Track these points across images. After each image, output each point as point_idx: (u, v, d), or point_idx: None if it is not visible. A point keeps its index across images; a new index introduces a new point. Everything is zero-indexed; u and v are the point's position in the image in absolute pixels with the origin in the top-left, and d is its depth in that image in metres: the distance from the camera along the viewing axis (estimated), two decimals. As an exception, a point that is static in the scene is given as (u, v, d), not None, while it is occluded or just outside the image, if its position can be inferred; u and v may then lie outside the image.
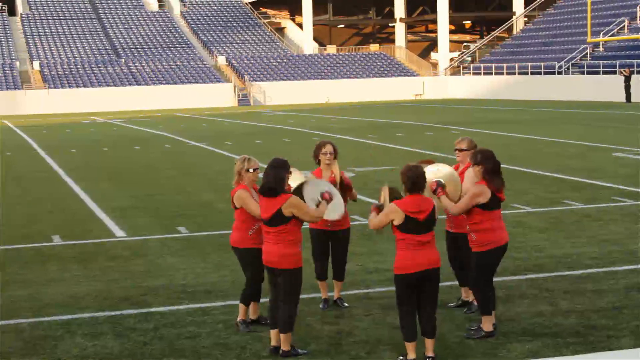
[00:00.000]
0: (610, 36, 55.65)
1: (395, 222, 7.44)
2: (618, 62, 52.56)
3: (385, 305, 9.14)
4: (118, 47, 67.74)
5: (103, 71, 63.15)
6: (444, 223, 8.97)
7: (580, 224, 13.50)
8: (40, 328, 8.82)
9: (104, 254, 12.33)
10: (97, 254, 12.33)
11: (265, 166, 7.89)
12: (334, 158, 9.26)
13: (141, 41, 69.22)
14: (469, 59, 69.77)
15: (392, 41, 79.03)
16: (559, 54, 58.54)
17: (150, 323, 8.87)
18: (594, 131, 30.45)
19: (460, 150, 9.05)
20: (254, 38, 72.46)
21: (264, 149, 26.48)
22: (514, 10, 72.57)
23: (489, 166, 8.10)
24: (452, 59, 70.41)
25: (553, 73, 56.79)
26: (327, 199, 7.91)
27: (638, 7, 57.07)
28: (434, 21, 74.23)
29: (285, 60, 68.12)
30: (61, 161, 25.31)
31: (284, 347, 7.76)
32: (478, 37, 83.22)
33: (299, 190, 7.89)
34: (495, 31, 73.31)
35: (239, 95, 62.65)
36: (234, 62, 66.88)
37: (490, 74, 62.07)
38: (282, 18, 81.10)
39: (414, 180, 7.45)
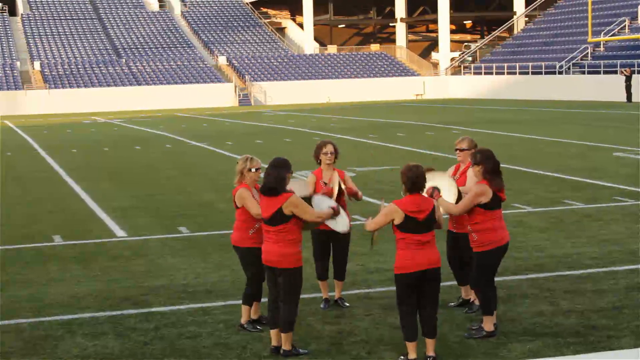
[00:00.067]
0: (611, 36, 55.64)
1: (395, 222, 7.45)
2: (619, 61, 52.54)
3: (386, 305, 9.14)
4: (119, 47, 67.75)
5: (104, 71, 63.17)
6: (446, 223, 8.96)
7: (580, 224, 13.50)
8: (40, 328, 8.83)
9: (105, 254, 12.33)
10: (98, 254, 12.34)
11: (267, 166, 7.90)
12: (335, 158, 9.26)
13: (142, 41, 69.23)
14: (470, 58, 69.75)
15: (393, 41, 79.04)
16: (560, 53, 58.53)
17: (150, 323, 8.88)
18: (594, 131, 30.44)
19: (461, 150, 9.06)
20: (255, 38, 72.47)
21: (264, 149, 26.48)
22: (514, 10, 72.56)
23: (489, 166, 8.10)
24: (452, 59, 70.39)
25: (554, 73, 56.77)
26: (334, 208, 7.95)
27: (639, 7, 57.04)
28: (435, 21, 74.22)
29: (286, 60, 68.13)
30: (62, 161, 25.32)
31: (285, 346, 7.77)
32: (479, 36, 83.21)
33: (306, 202, 7.95)
34: (496, 31, 73.30)
35: (239, 95, 62.65)
36: (234, 62, 66.89)
37: (491, 73, 62.06)
38: (283, 18, 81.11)
39: (414, 180, 7.46)
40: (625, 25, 56.71)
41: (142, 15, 73.46)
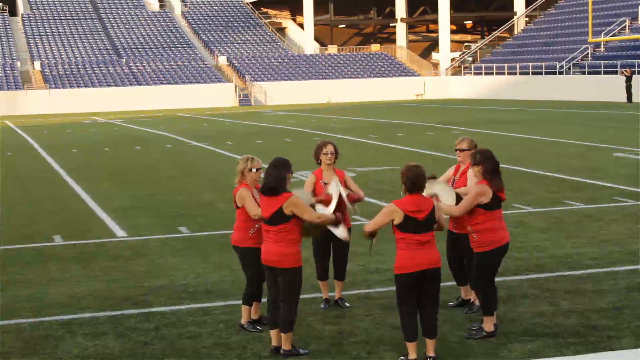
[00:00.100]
0: (611, 36, 55.64)
1: (395, 222, 7.45)
2: (619, 62, 52.54)
3: (386, 305, 9.14)
4: (119, 47, 67.77)
5: (104, 71, 63.18)
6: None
7: (580, 224, 13.50)
8: (41, 328, 8.83)
9: (105, 254, 12.34)
10: (98, 254, 12.34)
11: (267, 166, 7.91)
12: (335, 158, 9.27)
13: (142, 41, 69.24)
14: (470, 59, 69.75)
15: (393, 41, 79.04)
16: (560, 54, 58.54)
17: (151, 323, 8.88)
18: (594, 131, 30.44)
19: (461, 150, 9.06)
20: (255, 38, 72.48)
21: (265, 149, 26.48)
22: (515, 10, 72.56)
23: (489, 166, 8.11)
24: (453, 59, 70.40)
25: (554, 73, 56.77)
26: (337, 217, 8.00)
27: (639, 7, 57.03)
28: (435, 21, 74.23)
29: (286, 60, 68.14)
30: (62, 161, 25.32)
31: (285, 346, 7.77)
32: (479, 37, 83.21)
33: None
34: (497, 31, 73.31)
35: (240, 95, 62.65)
36: (235, 62, 66.90)
37: (492, 74, 62.06)
38: (283, 18, 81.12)
39: (414, 181, 7.46)
40: (625, 26, 56.71)
41: (142, 15, 73.47)
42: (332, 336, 8.30)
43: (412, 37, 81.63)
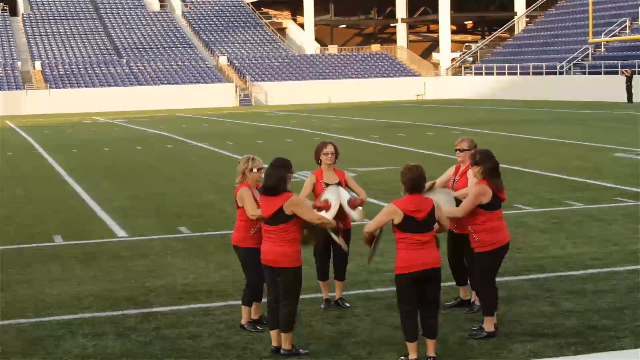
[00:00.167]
0: (611, 36, 55.64)
1: (395, 222, 7.45)
2: (619, 62, 52.53)
3: (387, 306, 9.15)
4: (119, 47, 67.77)
5: (104, 71, 63.18)
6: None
7: (581, 225, 13.50)
8: (41, 328, 8.83)
9: (106, 254, 12.34)
10: (99, 254, 12.34)
11: (268, 166, 7.92)
12: (335, 158, 9.27)
13: (142, 41, 69.24)
14: (471, 59, 69.75)
15: (394, 41, 79.04)
16: (561, 54, 58.53)
17: (151, 323, 8.88)
18: (595, 131, 30.44)
19: (461, 151, 9.06)
20: (256, 38, 72.47)
21: (265, 149, 26.48)
22: (515, 10, 72.55)
23: (489, 166, 8.11)
24: (453, 59, 70.39)
25: (554, 73, 56.76)
26: (338, 229, 8.21)
27: (639, 8, 57.01)
28: (436, 21, 74.22)
29: (286, 61, 68.14)
30: (62, 161, 25.33)
31: (285, 346, 7.77)
32: (479, 37, 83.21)
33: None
34: (497, 31, 73.31)
35: (240, 95, 62.65)
36: (235, 62, 66.90)
37: (492, 74, 62.05)
38: (284, 18, 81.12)
39: (413, 182, 7.45)
40: (626, 26, 56.70)
41: (142, 15, 73.47)
42: (332, 336, 8.31)
43: (412, 37, 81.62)
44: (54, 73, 61.96)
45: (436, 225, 7.62)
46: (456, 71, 68.33)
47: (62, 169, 23.40)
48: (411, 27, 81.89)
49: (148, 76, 63.21)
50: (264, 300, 8.44)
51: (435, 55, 76.65)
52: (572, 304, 9.09)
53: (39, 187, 19.83)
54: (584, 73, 55.12)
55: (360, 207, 8.84)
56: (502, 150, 23.02)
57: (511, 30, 72.65)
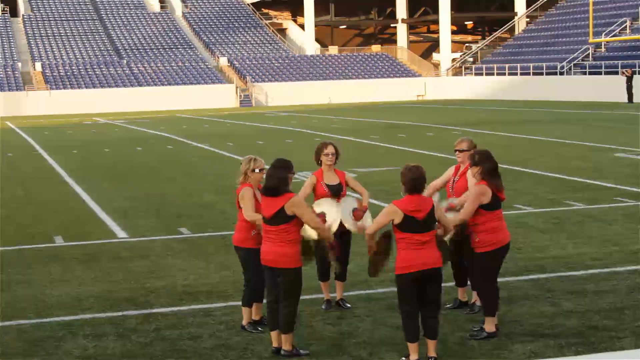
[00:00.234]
0: (612, 36, 55.63)
1: (395, 222, 7.45)
2: (620, 62, 52.54)
3: (388, 306, 9.15)
4: (120, 48, 67.78)
5: (105, 72, 63.19)
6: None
7: (581, 225, 13.50)
8: (42, 329, 8.83)
9: (106, 255, 12.34)
10: (99, 255, 12.34)
11: (269, 167, 7.92)
12: (336, 159, 9.27)
13: (143, 42, 69.26)
14: (471, 59, 69.75)
15: (394, 42, 79.04)
16: (561, 54, 58.54)
17: (152, 324, 8.88)
18: (595, 131, 30.44)
19: (461, 151, 9.05)
20: (256, 39, 72.49)
21: (266, 149, 26.47)
22: (515, 10, 72.54)
23: (488, 166, 8.11)
24: (453, 60, 70.39)
25: (555, 73, 56.76)
26: (333, 245, 8.22)
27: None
28: (436, 22, 74.22)
29: (287, 61, 68.14)
30: (63, 162, 25.33)
31: (286, 347, 7.77)
32: (480, 37, 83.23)
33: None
34: (497, 32, 73.30)
35: (240, 96, 62.65)
36: (235, 63, 66.91)
37: (492, 74, 62.05)
38: (284, 19, 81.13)
39: (413, 183, 7.45)
40: (626, 26, 56.69)
41: (143, 16, 73.49)
42: (333, 337, 8.31)
43: (412, 37, 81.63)
44: (55, 74, 61.97)
45: (440, 231, 7.63)
46: (456, 71, 68.34)
47: (63, 169, 23.40)
48: (411, 28, 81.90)
49: (148, 77, 63.22)
50: (265, 300, 8.44)
51: (435, 56, 76.65)
52: (573, 304, 9.09)
53: (39, 188, 19.83)
54: (585, 73, 55.12)
55: (365, 215, 8.85)
56: (503, 151, 23.02)
57: (511, 30, 72.65)
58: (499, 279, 8.35)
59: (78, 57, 65.79)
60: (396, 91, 65.14)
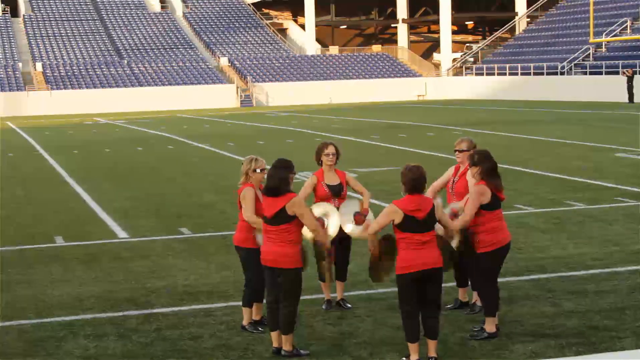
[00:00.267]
0: (612, 36, 55.62)
1: (395, 222, 7.45)
2: (621, 62, 52.52)
3: (388, 306, 9.15)
4: (120, 48, 67.79)
5: (105, 72, 63.20)
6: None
7: (582, 225, 13.49)
8: (43, 329, 8.84)
9: (107, 255, 12.34)
10: (100, 255, 12.34)
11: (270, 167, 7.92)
12: (336, 159, 9.27)
13: (143, 42, 69.27)
14: (472, 59, 69.74)
15: (395, 42, 79.04)
16: (562, 54, 58.53)
17: (152, 324, 8.88)
18: (596, 131, 30.44)
19: (460, 151, 9.05)
20: (257, 39, 72.49)
21: (266, 150, 26.47)
22: (516, 10, 72.53)
23: (487, 166, 8.11)
24: (454, 60, 70.38)
25: (555, 74, 56.76)
26: (329, 252, 8.23)
27: (640, 8, 57.07)
28: (436, 22, 74.22)
29: (287, 61, 68.15)
30: (63, 162, 25.34)
31: (286, 347, 7.77)
32: (480, 37, 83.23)
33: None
34: (498, 32, 73.30)
35: (241, 96, 62.66)
36: (236, 63, 66.92)
37: (493, 74, 62.05)
38: (285, 19, 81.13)
39: (414, 183, 7.45)
40: (627, 26, 56.68)
41: (143, 16, 73.49)
42: (333, 337, 8.31)
43: (413, 37, 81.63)
44: (55, 74, 61.98)
45: (442, 231, 7.63)
46: (457, 71, 68.33)
47: (63, 170, 23.40)
48: (412, 28, 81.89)
49: (149, 77, 63.23)
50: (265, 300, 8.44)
51: (436, 56, 76.64)
52: (574, 305, 9.09)
53: (39, 188, 19.84)
54: (585, 73, 55.11)
55: (367, 218, 8.85)
56: (503, 151, 23.02)
57: (512, 30, 72.64)
58: (499, 279, 8.34)
59: (79, 57, 65.81)
60: (397, 91, 65.14)
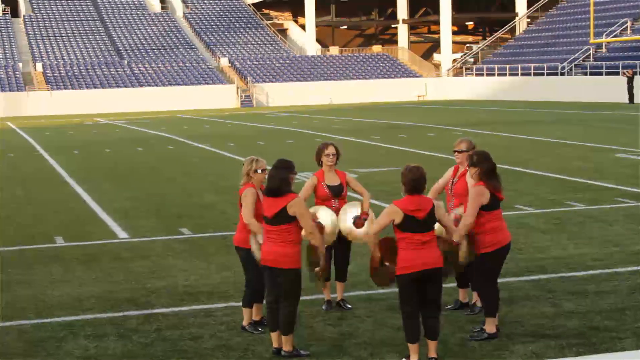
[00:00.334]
0: (613, 37, 55.63)
1: (395, 222, 7.45)
2: (621, 63, 52.53)
3: (388, 307, 9.14)
4: (121, 48, 67.80)
5: (106, 72, 63.21)
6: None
7: (583, 225, 13.49)
8: (43, 329, 8.83)
9: (107, 255, 12.34)
10: (100, 255, 12.34)
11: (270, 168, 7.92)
12: (337, 160, 9.27)
13: (144, 42, 69.28)
14: (472, 60, 69.74)
15: (395, 42, 79.05)
16: (562, 55, 58.53)
17: (152, 324, 8.88)
18: (596, 132, 30.44)
19: (460, 152, 9.04)
20: (257, 39, 72.50)
21: (266, 150, 26.48)
22: (516, 11, 72.54)
23: (485, 167, 8.10)
24: (454, 60, 70.38)
25: (556, 74, 56.76)
26: (324, 256, 8.20)
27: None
28: (437, 22, 74.24)
29: (288, 62, 68.15)
30: (63, 162, 25.34)
31: (286, 347, 7.77)
32: (481, 38, 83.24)
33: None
34: (498, 32, 73.30)
35: (241, 96, 62.66)
36: (236, 63, 66.92)
37: (493, 75, 62.05)
38: (285, 19, 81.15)
39: (414, 184, 7.44)
40: (627, 27, 56.70)
41: (144, 17, 73.50)
42: (333, 337, 8.30)
43: (413, 38, 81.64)
44: (55, 74, 61.99)
45: (445, 234, 7.63)
46: (457, 72, 68.35)
47: (63, 170, 23.40)
48: (412, 28, 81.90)
49: (149, 77, 63.23)
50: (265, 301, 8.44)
51: (436, 56, 76.64)
52: (574, 305, 9.08)
53: (40, 188, 19.84)
54: (585, 74, 55.11)
55: (368, 221, 8.87)
56: (503, 151, 23.01)
57: (512, 31, 72.64)
58: (499, 280, 8.34)
59: (79, 57, 65.81)
60: (397, 92, 65.15)
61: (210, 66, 65.97)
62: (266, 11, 79.55)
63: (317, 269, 7.90)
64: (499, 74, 61.36)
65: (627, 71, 49.04)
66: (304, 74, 66.24)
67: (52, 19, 71.22)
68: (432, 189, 8.94)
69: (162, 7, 75.86)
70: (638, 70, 49.98)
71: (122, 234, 13.89)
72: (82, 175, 22.07)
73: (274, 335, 7.89)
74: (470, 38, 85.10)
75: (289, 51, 71.37)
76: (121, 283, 10.66)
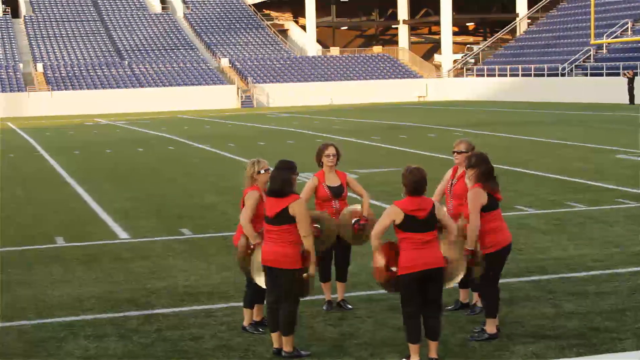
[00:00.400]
0: (613, 38, 55.63)
1: (396, 222, 7.44)
2: (621, 63, 52.53)
3: (389, 307, 9.14)
4: (121, 49, 67.82)
5: (106, 73, 63.23)
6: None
7: (583, 226, 13.49)
8: (43, 330, 8.84)
9: (107, 255, 12.34)
10: (100, 255, 12.34)
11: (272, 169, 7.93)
12: (337, 160, 9.27)
13: (144, 43, 69.29)
14: (472, 60, 69.75)
15: (396, 43, 79.05)
16: (563, 55, 58.53)
17: (153, 325, 8.88)
18: (597, 133, 30.43)
19: (459, 153, 9.04)
20: (257, 40, 72.51)
21: (267, 151, 26.48)
22: (517, 11, 72.54)
23: (483, 169, 8.10)
24: (455, 61, 70.39)
25: (556, 75, 56.76)
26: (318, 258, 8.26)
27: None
28: (437, 23, 74.25)
29: (288, 62, 68.16)
30: (64, 163, 25.34)
31: (287, 348, 7.77)
32: (481, 38, 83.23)
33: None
34: (499, 33, 73.29)
35: (242, 97, 62.68)
36: (237, 63, 66.94)
37: (494, 75, 62.06)
38: (286, 20, 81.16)
39: (415, 185, 7.44)
40: (628, 28, 56.71)
41: (144, 17, 73.53)
42: (334, 338, 8.30)
43: (414, 38, 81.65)
44: (56, 75, 62.01)
45: (449, 236, 7.64)
46: (458, 73, 68.35)
47: (64, 170, 23.41)
48: (413, 29, 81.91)
49: (150, 78, 63.25)
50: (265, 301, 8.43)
51: (437, 57, 76.63)
52: (574, 306, 9.08)
53: (40, 189, 19.84)
54: (586, 74, 55.12)
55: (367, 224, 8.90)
56: (504, 152, 23.02)
57: (513, 31, 72.65)
58: (500, 280, 8.34)
59: (79, 58, 65.83)
60: (397, 92, 65.16)
61: (210, 67, 65.99)
62: (267, 12, 79.58)
63: (305, 274, 7.86)
64: (499, 75, 61.37)
65: (628, 72, 49.04)
66: (304, 74, 66.25)
67: (52, 20, 71.25)
68: (436, 192, 8.95)
69: (163, 8, 75.89)
70: (639, 71, 49.99)
71: (122, 235, 13.90)
72: (83, 175, 22.08)
73: (274, 336, 7.89)
74: (470, 39, 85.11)
75: (290, 52, 71.39)
76: (121, 283, 10.66)
